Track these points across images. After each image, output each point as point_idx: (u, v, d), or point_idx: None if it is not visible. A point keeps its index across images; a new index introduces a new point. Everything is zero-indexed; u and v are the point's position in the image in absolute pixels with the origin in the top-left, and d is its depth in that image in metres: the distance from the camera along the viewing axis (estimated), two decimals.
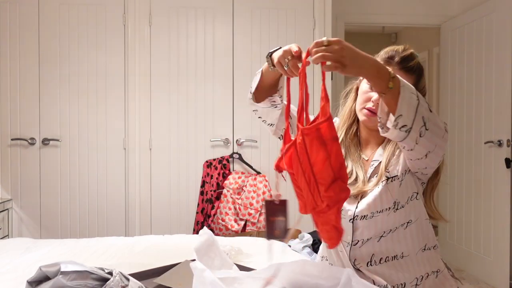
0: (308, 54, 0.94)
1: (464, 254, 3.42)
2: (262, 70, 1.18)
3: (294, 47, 1.01)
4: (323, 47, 0.90)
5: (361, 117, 1.22)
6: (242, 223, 2.92)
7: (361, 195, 1.19)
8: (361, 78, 1.26)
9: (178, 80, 3.07)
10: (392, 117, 0.99)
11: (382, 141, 1.24)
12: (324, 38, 0.91)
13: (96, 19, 3.02)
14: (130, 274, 1.19)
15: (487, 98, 3.13)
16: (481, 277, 3.20)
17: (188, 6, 3.07)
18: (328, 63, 0.91)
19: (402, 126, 0.97)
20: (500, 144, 2.96)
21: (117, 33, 3.03)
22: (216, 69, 3.08)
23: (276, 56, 1.06)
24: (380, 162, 1.21)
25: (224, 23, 3.09)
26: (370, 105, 1.18)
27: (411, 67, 1.20)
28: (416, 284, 1.18)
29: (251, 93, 1.23)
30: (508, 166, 2.89)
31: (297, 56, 1.00)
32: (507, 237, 2.91)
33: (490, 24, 3.10)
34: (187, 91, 3.08)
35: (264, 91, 1.21)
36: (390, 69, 0.97)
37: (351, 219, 1.19)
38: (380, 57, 1.22)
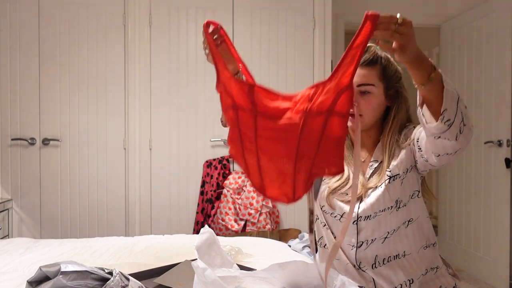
0: (371, 22, 0.86)
1: (464, 254, 3.42)
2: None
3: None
4: (395, 26, 0.87)
5: (348, 123, 1.23)
6: (242, 223, 2.91)
7: (361, 197, 1.19)
8: None
9: (178, 80, 3.07)
10: (426, 110, 0.98)
11: (376, 140, 1.26)
12: (398, 15, 0.87)
13: (96, 19, 3.02)
14: (130, 274, 1.19)
15: (487, 98, 3.13)
16: (481, 277, 3.20)
17: (188, 6, 3.07)
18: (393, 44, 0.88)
19: (447, 120, 0.95)
20: (500, 144, 2.95)
21: (117, 33, 3.03)
22: None
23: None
24: (380, 162, 1.21)
25: (224, 23, 3.07)
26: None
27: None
28: (414, 280, 1.18)
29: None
30: (508, 166, 2.89)
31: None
32: (507, 237, 2.91)
33: (490, 24, 3.10)
34: (187, 91, 3.08)
35: None
36: (432, 60, 0.96)
37: (354, 221, 1.19)
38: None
